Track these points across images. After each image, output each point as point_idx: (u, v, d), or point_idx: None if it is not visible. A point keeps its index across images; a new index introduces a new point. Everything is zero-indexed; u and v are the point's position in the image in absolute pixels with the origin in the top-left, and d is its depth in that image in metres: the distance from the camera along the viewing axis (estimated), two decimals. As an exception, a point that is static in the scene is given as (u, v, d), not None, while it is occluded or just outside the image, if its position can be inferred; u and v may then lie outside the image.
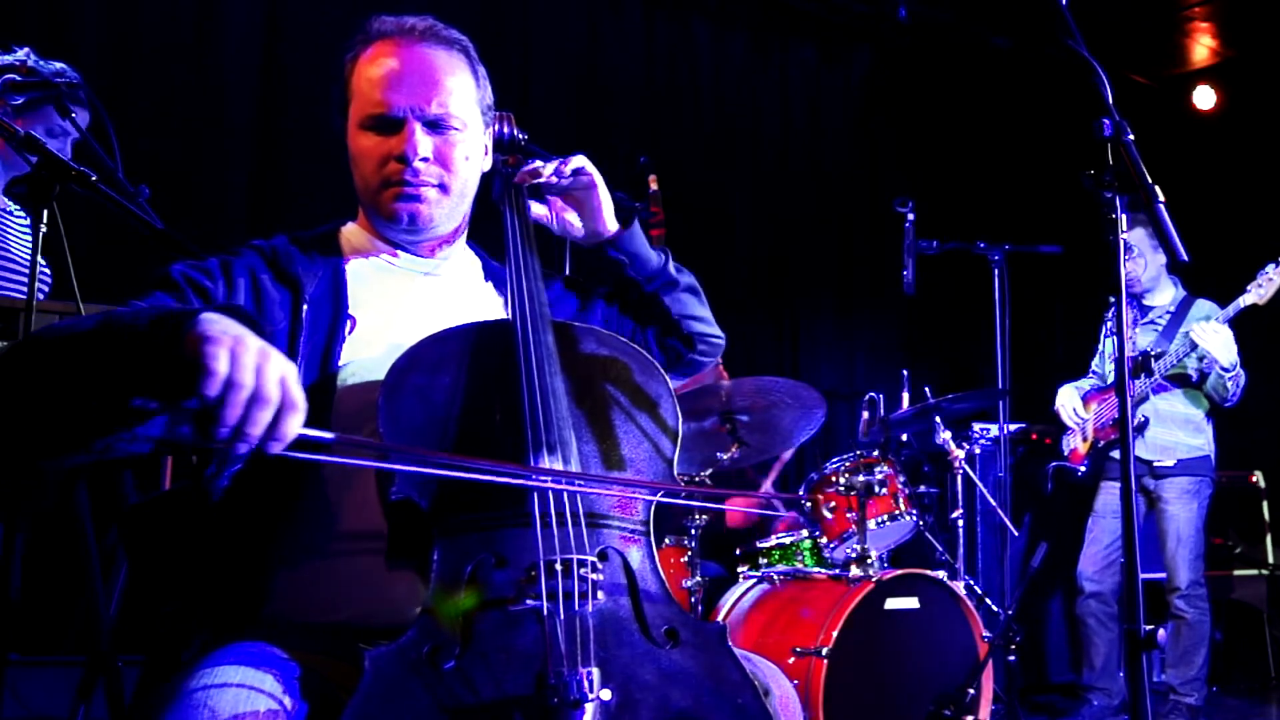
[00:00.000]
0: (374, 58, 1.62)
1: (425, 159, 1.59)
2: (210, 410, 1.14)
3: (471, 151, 1.66)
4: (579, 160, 1.74)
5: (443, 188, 1.62)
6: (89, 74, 2.87)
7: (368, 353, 1.52)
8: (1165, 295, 4.54)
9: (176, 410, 1.22)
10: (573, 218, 1.79)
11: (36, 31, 3.91)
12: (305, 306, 1.53)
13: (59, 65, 2.79)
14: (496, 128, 1.77)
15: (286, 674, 1.26)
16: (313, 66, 4.40)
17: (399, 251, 1.68)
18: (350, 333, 1.54)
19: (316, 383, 1.48)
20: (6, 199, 2.88)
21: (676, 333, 1.83)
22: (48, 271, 2.83)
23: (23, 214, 2.93)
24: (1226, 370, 4.18)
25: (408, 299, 1.62)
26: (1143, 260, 4.46)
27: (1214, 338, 4.12)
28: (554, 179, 1.73)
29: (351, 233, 1.70)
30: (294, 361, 1.40)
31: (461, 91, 1.63)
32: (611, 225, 1.78)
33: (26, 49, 2.79)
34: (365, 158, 1.61)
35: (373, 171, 1.61)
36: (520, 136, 1.79)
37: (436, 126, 1.60)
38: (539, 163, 1.73)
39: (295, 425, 1.17)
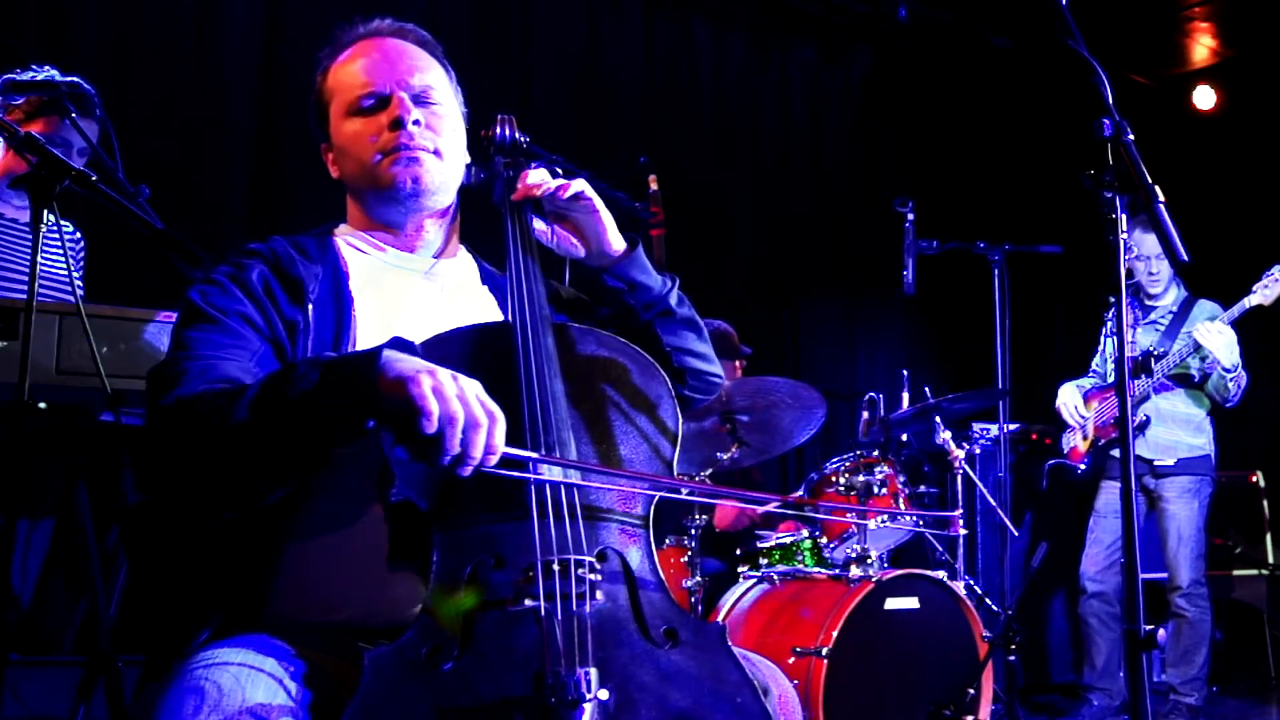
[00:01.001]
0: (350, 58, 1.68)
1: (417, 122, 1.62)
2: (430, 444, 1.21)
3: (457, 127, 1.70)
4: (578, 185, 1.69)
5: (437, 153, 1.64)
6: (89, 74, 2.86)
7: None
8: (1168, 296, 4.54)
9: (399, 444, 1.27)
10: (573, 239, 1.73)
11: (36, 31, 3.91)
12: (310, 308, 1.53)
13: (74, 78, 2.80)
14: (498, 131, 1.77)
15: (289, 662, 1.26)
16: (313, 66, 4.39)
17: (388, 248, 1.67)
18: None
19: None
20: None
21: (666, 366, 1.72)
22: (81, 283, 2.86)
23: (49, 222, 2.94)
24: (1228, 371, 4.18)
25: (407, 300, 1.63)
26: (1147, 263, 4.45)
27: (1217, 338, 4.12)
28: (553, 197, 1.68)
29: (345, 233, 1.71)
30: None
31: (438, 76, 1.69)
32: (616, 246, 1.71)
33: (48, 66, 2.80)
34: (357, 140, 1.64)
35: (367, 148, 1.63)
36: (522, 140, 1.79)
37: (420, 101, 1.65)
38: (537, 178, 1.69)
39: (502, 436, 1.26)
